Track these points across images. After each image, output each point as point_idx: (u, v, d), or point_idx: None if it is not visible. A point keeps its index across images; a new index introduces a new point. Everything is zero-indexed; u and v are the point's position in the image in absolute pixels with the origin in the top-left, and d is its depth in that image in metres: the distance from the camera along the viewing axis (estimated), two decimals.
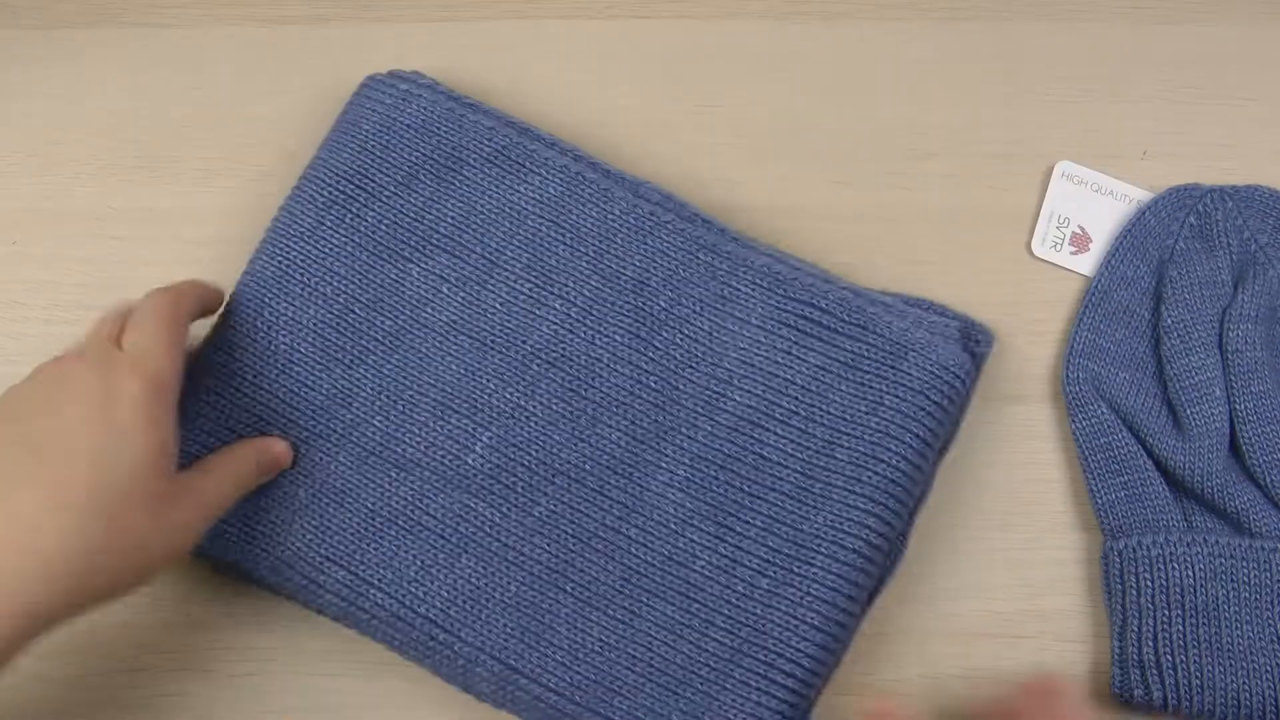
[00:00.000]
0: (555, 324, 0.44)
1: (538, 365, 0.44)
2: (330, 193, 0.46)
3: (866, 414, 0.42)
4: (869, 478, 0.41)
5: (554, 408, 0.43)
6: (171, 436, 0.37)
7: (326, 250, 0.45)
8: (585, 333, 0.44)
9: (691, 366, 0.43)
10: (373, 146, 0.47)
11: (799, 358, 0.43)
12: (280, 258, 0.45)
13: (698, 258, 0.45)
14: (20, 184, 0.51)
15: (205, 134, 0.52)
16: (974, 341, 0.46)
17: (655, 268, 0.45)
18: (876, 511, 0.41)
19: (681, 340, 0.44)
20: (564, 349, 0.44)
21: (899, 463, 0.42)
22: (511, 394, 0.43)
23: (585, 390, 0.43)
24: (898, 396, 0.42)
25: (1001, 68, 0.54)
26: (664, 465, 0.42)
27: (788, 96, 0.53)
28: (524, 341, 0.44)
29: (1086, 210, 0.51)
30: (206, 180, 0.51)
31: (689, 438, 0.43)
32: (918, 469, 0.42)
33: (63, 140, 0.52)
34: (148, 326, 0.39)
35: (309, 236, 0.45)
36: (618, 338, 0.44)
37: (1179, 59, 0.54)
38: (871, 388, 0.43)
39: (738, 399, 0.43)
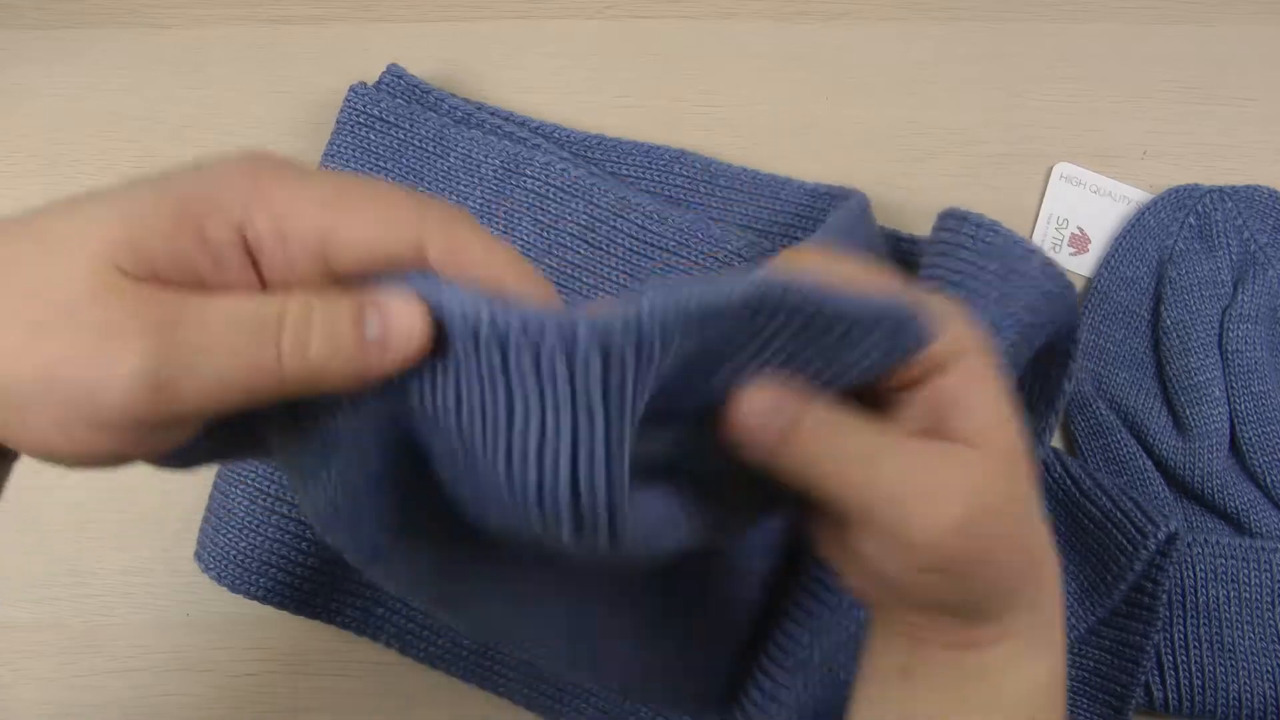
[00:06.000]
0: None
1: None
2: None
3: None
4: None
5: None
6: (176, 259, 0.21)
7: None
8: None
9: None
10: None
11: None
12: None
13: None
14: (20, 184, 0.51)
15: (205, 134, 0.52)
16: None
17: None
18: None
19: None
20: None
21: None
22: None
23: None
24: None
25: (1001, 68, 0.54)
26: None
27: (788, 96, 0.53)
28: None
29: (1085, 211, 0.51)
30: None
31: None
32: None
33: (63, 140, 0.52)
34: (321, 180, 0.22)
35: None
36: None
37: (1179, 59, 0.54)
38: None
39: None
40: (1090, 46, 0.54)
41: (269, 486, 0.44)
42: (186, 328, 0.20)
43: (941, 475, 0.25)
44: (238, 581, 0.44)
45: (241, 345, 0.21)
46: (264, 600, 0.44)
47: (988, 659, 0.27)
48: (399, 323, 0.21)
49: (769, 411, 0.25)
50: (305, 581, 0.44)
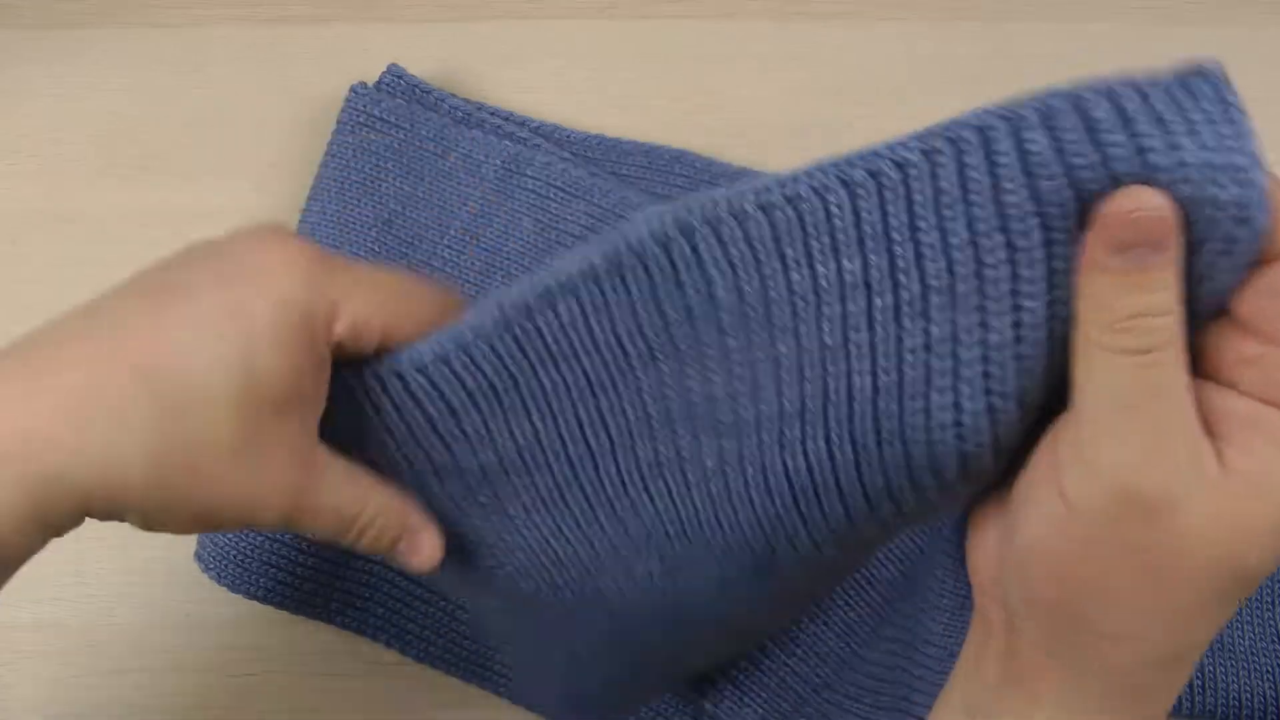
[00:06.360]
0: None
1: None
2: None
3: None
4: None
5: None
6: (308, 385, 0.28)
7: None
8: None
9: None
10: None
11: None
12: None
13: None
14: (20, 184, 0.51)
15: (205, 134, 0.52)
16: None
17: None
18: None
19: None
20: None
21: None
22: None
23: None
24: None
25: (1001, 68, 0.54)
26: None
27: (788, 96, 0.53)
28: None
29: None
30: (207, 180, 0.51)
31: None
32: None
33: (63, 140, 0.52)
34: (380, 282, 0.29)
35: None
36: None
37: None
38: None
39: None
40: (1090, 46, 0.54)
41: None
42: (309, 499, 0.28)
43: (1191, 457, 0.22)
44: (238, 581, 0.44)
45: (331, 524, 0.29)
46: (264, 600, 0.44)
47: (1008, 711, 0.25)
48: (423, 553, 0.31)
49: (1154, 220, 0.22)
50: (305, 581, 0.44)
